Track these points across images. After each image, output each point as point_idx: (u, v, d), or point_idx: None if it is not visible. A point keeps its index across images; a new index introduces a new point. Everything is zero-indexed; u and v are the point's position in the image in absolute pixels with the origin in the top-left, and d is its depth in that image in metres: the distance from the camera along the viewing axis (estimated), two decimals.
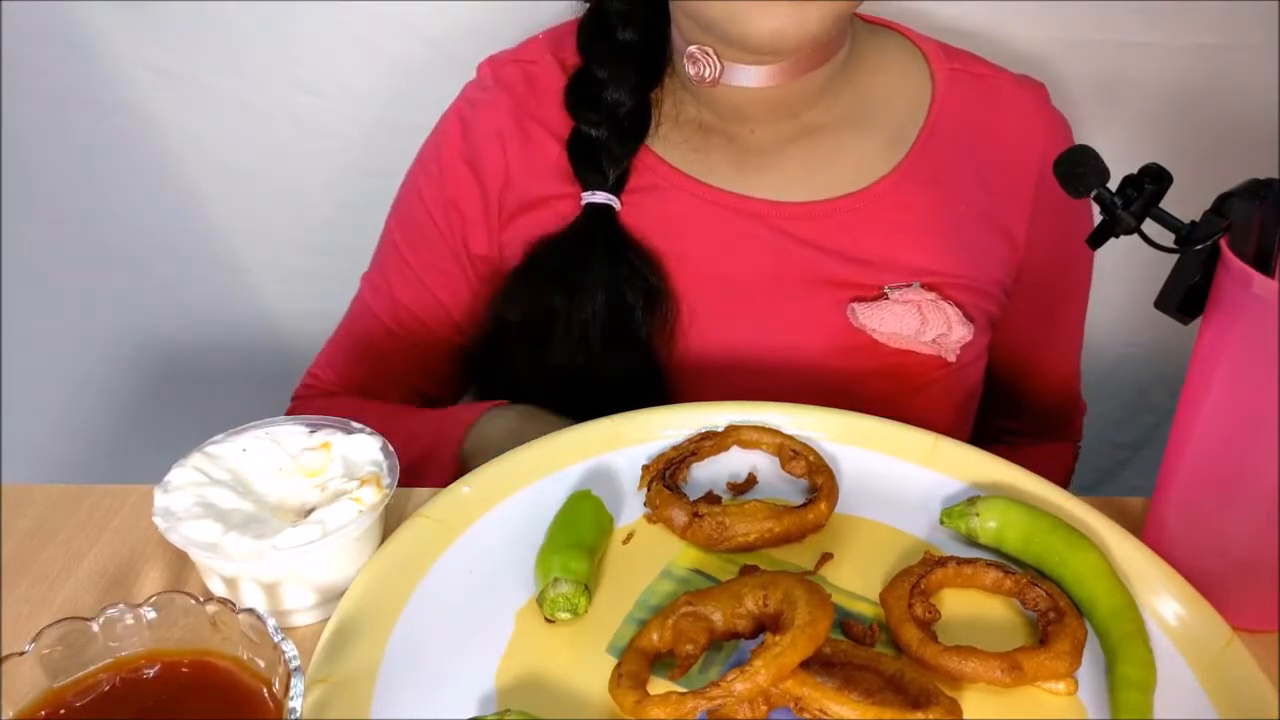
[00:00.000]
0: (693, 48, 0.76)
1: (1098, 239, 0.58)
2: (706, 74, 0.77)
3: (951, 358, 0.81)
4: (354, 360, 0.91)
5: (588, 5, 0.85)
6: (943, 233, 0.81)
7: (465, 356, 0.89)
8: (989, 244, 0.83)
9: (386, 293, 0.88)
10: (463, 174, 0.84)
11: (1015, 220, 0.83)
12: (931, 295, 0.80)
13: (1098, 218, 0.58)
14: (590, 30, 0.84)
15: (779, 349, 0.81)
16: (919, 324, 0.79)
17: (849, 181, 0.81)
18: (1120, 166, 0.57)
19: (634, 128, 0.82)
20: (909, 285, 0.80)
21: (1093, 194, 0.57)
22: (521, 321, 0.82)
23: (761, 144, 0.82)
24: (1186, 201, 0.57)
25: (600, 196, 0.81)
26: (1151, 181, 0.56)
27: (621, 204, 0.81)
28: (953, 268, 0.81)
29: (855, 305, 0.80)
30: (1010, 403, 0.95)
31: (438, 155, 0.87)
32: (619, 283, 0.80)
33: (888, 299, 0.80)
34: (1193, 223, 0.55)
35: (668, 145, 0.83)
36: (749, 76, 0.77)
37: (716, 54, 0.76)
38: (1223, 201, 0.54)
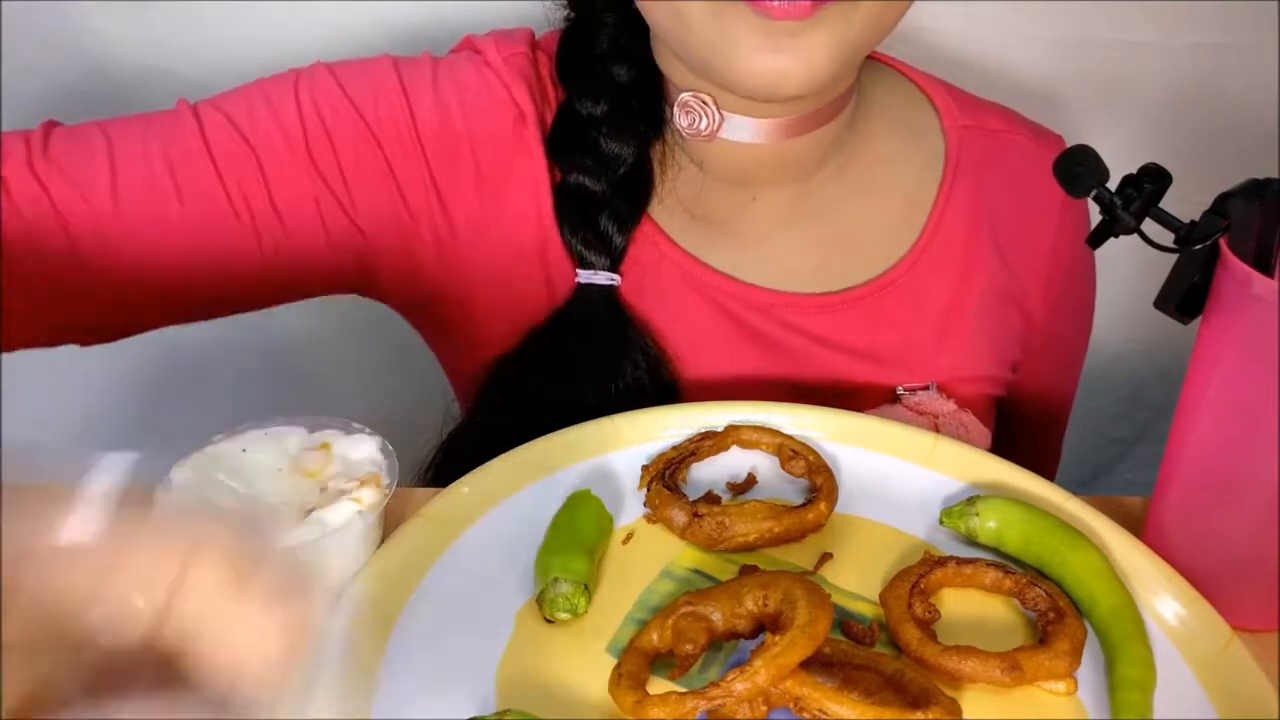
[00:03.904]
0: (687, 95, 0.67)
1: (1097, 239, 0.58)
2: (703, 126, 0.67)
3: None
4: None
5: (568, 24, 0.73)
6: (960, 321, 0.75)
7: (445, 443, 0.76)
8: (1008, 324, 0.77)
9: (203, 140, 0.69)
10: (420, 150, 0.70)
11: (1033, 293, 0.77)
12: (952, 406, 0.73)
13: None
14: (572, 48, 0.73)
15: None
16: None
17: (863, 267, 0.74)
18: (1120, 166, 0.57)
19: (639, 185, 0.70)
20: (925, 387, 0.74)
21: (1092, 193, 0.57)
22: (510, 409, 0.72)
23: (764, 217, 0.73)
24: (1186, 201, 0.57)
25: (603, 277, 0.69)
26: (1151, 181, 0.56)
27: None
28: (970, 360, 0.75)
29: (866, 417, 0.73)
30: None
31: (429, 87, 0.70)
32: (619, 373, 0.70)
33: (901, 404, 0.73)
34: (1192, 222, 0.55)
35: (668, 214, 0.72)
36: (748, 131, 0.68)
37: (715, 102, 0.66)
38: (1222, 201, 0.54)
